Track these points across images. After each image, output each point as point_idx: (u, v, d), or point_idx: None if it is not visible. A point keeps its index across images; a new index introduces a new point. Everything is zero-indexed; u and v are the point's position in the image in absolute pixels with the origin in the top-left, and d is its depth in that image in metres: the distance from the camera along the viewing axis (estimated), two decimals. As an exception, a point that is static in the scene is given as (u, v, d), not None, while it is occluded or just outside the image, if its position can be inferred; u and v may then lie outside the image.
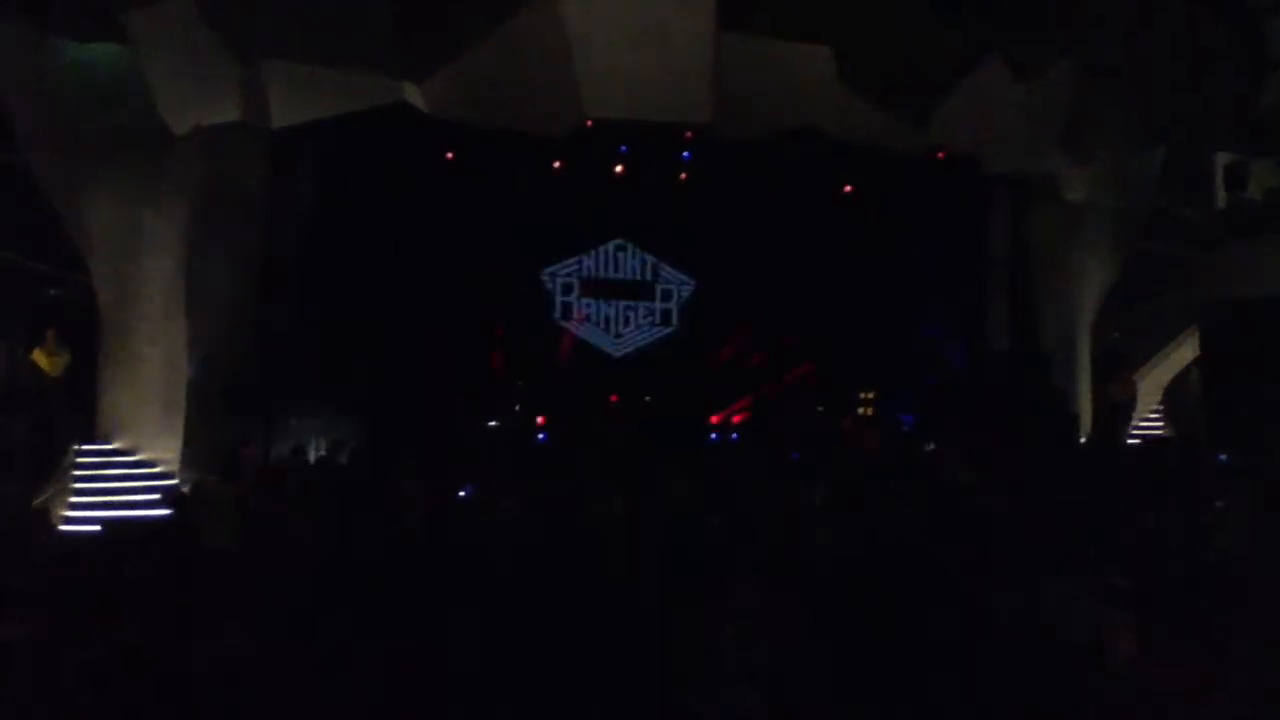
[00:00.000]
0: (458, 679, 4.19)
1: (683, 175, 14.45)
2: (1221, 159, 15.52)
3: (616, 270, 15.38)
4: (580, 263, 15.21)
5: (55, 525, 10.74)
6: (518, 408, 14.07)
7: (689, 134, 13.36)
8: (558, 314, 15.08)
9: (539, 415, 13.97)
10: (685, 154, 14.17)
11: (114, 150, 11.16)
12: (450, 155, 13.59)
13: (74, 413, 11.49)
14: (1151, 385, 16.57)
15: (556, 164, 13.87)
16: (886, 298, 15.12)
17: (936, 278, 15.32)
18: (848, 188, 15.03)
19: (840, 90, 11.74)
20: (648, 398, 14.56)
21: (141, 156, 11.21)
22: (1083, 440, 14.46)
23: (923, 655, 4.21)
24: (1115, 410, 15.05)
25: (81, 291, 11.75)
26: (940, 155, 13.34)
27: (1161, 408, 17.14)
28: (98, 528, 10.48)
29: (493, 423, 13.68)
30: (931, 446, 12.20)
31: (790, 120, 12.05)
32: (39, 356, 11.61)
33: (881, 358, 15.03)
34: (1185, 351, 16.32)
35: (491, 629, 4.43)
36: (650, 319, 15.42)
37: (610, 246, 15.33)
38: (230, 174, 11.72)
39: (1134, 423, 15.84)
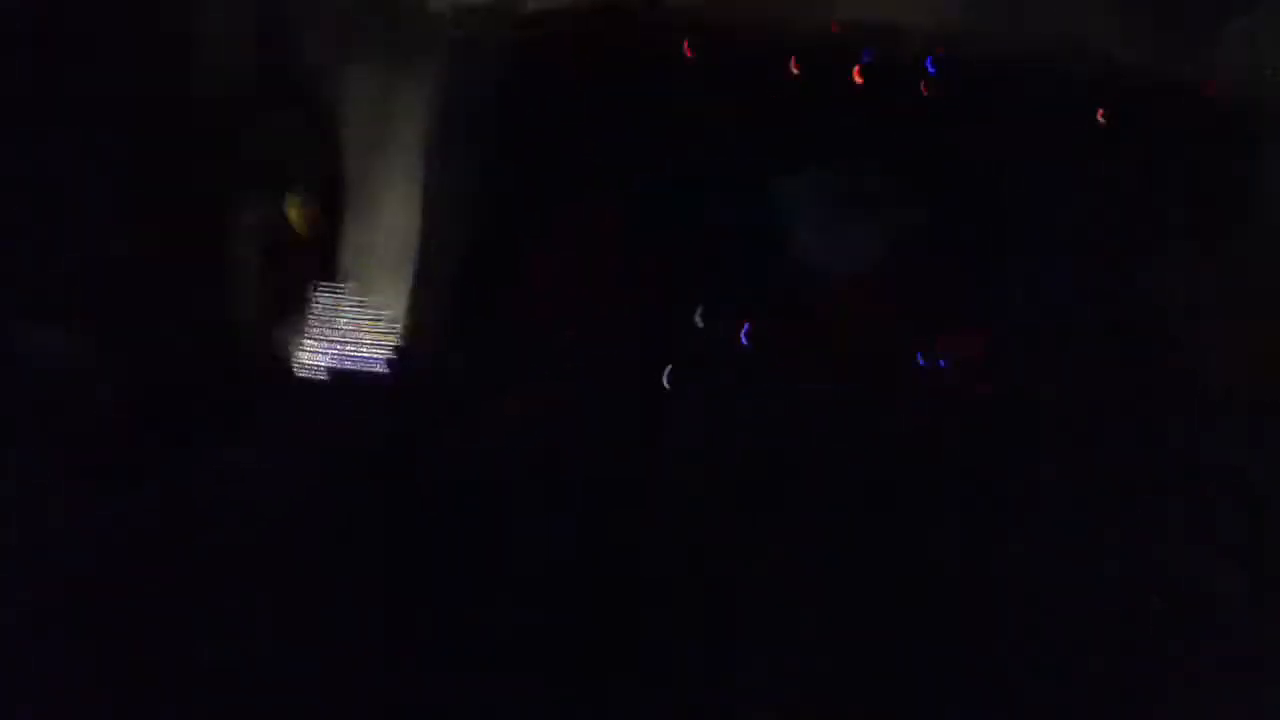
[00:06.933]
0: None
1: (924, 88, 13.79)
2: None
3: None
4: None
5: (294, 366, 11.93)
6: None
7: (939, 49, 12.66)
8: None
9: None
10: (929, 64, 13.48)
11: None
12: (690, 53, 13.60)
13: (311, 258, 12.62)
14: None
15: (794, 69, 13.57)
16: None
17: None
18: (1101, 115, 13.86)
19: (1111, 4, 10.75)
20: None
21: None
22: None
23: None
24: None
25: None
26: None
27: None
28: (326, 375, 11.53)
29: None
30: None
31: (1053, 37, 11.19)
32: (293, 207, 12.74)
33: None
34: None
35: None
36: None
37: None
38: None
39: None
